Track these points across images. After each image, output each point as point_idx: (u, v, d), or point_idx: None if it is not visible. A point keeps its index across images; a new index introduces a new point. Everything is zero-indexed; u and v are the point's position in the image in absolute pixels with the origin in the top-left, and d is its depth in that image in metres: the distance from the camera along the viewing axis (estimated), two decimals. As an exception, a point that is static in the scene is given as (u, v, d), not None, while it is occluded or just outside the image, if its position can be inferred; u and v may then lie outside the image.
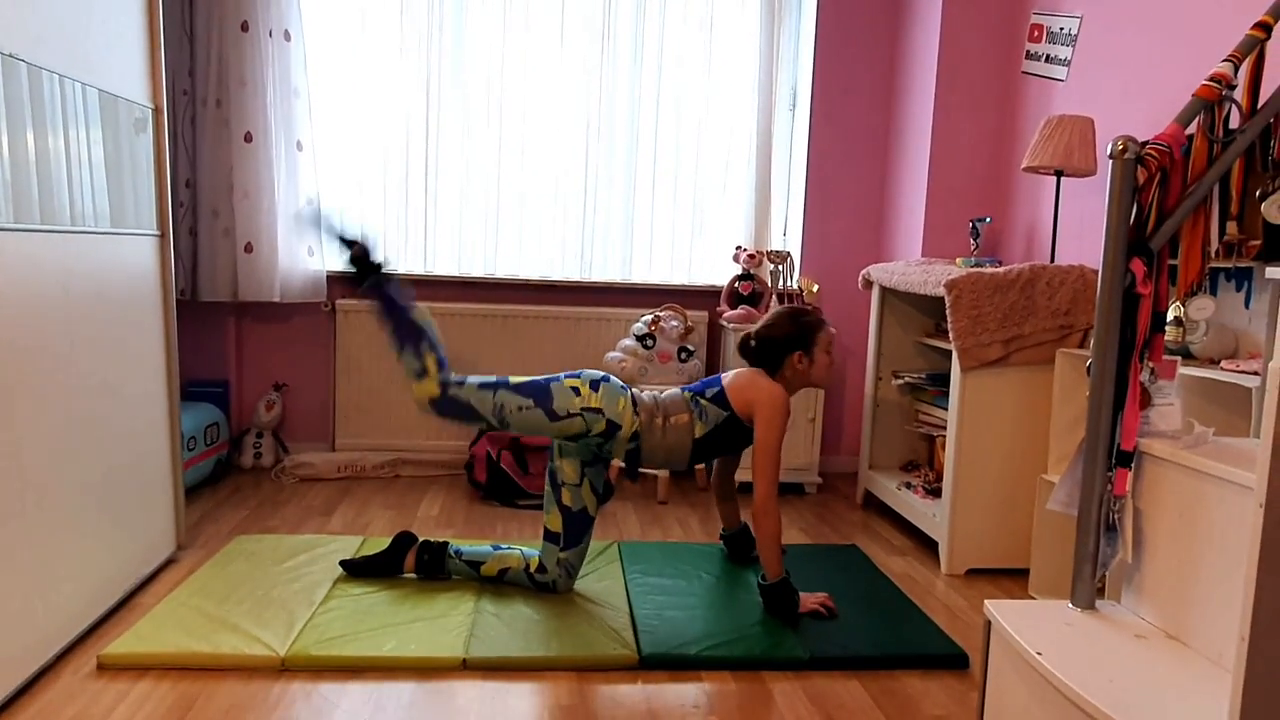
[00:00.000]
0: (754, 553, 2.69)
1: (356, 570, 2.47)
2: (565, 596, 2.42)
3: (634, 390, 2.42)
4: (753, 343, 2.48)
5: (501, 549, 2.48)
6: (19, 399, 1.84)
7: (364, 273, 2.33)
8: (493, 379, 2.32)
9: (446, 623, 2.21)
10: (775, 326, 2.47)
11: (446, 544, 2.48)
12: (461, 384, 2.29)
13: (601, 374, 2.40)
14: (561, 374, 2.36)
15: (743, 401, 2.39)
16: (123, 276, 2.30)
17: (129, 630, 2.10)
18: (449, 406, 2.29)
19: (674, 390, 2.47)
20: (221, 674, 1.96)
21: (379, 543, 2.74)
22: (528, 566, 2.43)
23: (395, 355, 2.31)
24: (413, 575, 2.48)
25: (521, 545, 2.55)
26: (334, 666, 2.01)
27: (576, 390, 2.32)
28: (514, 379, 2.33)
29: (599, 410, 2.31)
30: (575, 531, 2.40)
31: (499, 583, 2.45)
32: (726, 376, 2.46)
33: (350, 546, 2.71)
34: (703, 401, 2.40)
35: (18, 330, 1.83)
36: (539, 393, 2.30)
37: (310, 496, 3.34)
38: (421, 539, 2.51)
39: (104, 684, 1.90)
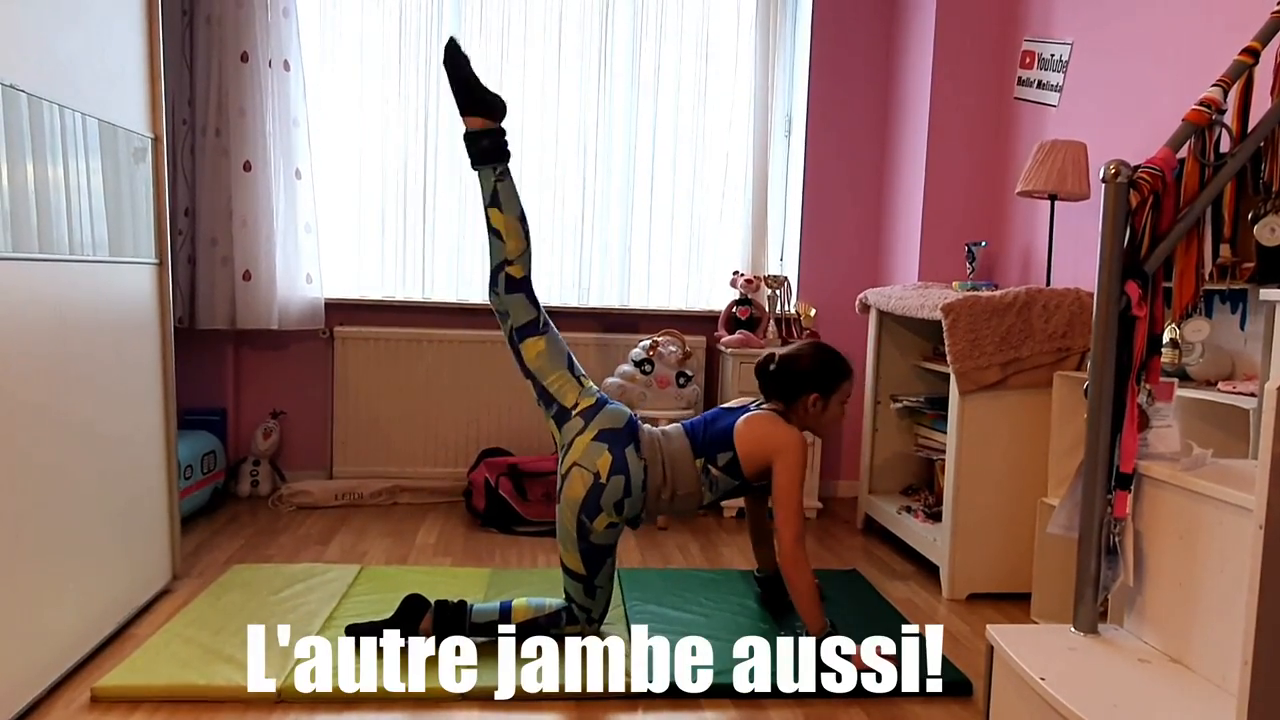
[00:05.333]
0: (789, 599, 2.30)
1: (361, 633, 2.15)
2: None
3: (646, 455, 2.20)
4: (773, 366, 2.33)
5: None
6: (13, 427, 1.83)
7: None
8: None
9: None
10: (802, 358, 2.31)
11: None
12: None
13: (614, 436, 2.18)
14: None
15: (760, 456, 2.22)
16: (121, 305, 2.31)
17: (123, 662, 2.08)
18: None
19: (683, 449, 2.24)
20: (217, 706, 1.94)
21: (374, 571, 2.72)
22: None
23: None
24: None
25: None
26: (331, 698, 1.98)
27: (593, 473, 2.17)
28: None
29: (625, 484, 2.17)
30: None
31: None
32: (740, 433, 2.24)
33: (348, 575, 2.68)
34: (714, 472, 2.24)
35: (13, 358, 1.83)
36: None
37: (307, 525, 3.32)
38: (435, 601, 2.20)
39: (97, 717, 1.88)
